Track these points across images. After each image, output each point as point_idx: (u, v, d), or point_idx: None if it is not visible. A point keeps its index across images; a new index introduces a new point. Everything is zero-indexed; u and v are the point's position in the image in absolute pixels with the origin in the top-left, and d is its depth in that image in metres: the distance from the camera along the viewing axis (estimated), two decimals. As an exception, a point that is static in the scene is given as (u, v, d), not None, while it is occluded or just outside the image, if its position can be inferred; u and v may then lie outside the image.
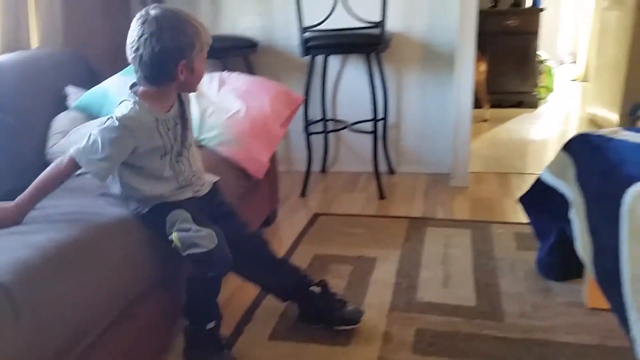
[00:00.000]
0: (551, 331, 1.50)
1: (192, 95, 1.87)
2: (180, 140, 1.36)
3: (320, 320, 1.51)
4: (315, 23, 2.29)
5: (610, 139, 1.37)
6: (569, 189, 1.49)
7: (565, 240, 1.55)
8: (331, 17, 2.30)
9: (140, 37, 1.20)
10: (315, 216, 2.39)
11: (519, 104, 4.43)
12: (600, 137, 1.41)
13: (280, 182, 2.43)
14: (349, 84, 2.85)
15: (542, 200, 1.66)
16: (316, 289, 1.51)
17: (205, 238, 1.29)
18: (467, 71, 2.50)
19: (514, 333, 1.50)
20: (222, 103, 1.88)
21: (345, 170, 3.02)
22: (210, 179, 1.49)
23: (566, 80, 5.67)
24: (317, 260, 1.98)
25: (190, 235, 1.29)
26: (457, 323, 1.56)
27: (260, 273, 1.53)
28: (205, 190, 1.45)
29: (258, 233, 1.53)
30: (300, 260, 1.97)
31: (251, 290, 1.68)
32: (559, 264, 1.67)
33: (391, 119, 2.87)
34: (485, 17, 4.22)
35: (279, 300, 1.59)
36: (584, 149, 1.41)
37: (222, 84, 1.96)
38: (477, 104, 4.11)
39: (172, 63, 1.22)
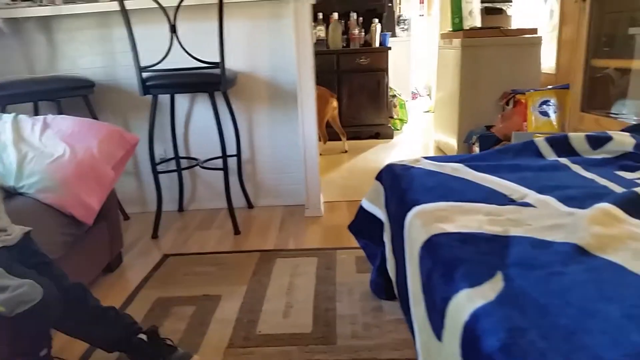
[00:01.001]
0: (378, 349, 1.59)
1: (9, 140, 1.77)
2: None
3: None
4: (153, 63, 2.29)
5: (409, 168, 1.52)
6: (382, 214, 1.62)
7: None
8: (174, 58, 2.31)
9: None
10: (165, 257, 2.33)
11: (376, 135, 4.74)
12: (402, 166, 1.55)
13: (132, 224, 2.34)
14: (200, 122, 2.86)
15: (366, 226, 1.78)
16: (143, 337, 1.47)
17: (30, 292, 1.21)
18: (309, 108, 2.63)
19: (344, 355, 1.57)
20: (44, 147, 1.79)
21: (203, 208, 3.00)
22: (21, 229, 1.41)
23: (420, 112, 6.19)
24: (159, 303, 1.92)
25: (11, 295, 1.20)
26: (292, 352, 1.60)
27: (82, 326, 1.45)
28: (14, 240, 1.36)
29: (78, 283, 1.46)
30: (141, 305, 1.91)
31: (80, 343, 1.58)
32: (386, 283, 1.79)
33: (246, 155, 2.92)
34: (340, 57, 4.54)
35: (107, 351, 1.52)
36: (388, 178, 1.55)
37: (45, 127, 1.87)
38: (337, 137, 4.37)
39: None
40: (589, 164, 1.42)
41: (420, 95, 7.11)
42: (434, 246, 0.96)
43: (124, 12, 2.21)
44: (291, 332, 1.70)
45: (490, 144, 3.30)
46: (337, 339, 1.65)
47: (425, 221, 1.06)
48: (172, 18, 2.23)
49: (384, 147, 4.52)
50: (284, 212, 2.92)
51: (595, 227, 0.96)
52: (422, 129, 5.32)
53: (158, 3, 2.18)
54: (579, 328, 0.69)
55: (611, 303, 0.73)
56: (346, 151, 4.31)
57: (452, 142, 3.85)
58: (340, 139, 4.35)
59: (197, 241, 2.54)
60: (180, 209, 2.97)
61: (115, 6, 2.23)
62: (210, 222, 2.80)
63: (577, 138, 1.54)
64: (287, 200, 3.00)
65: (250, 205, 2.98)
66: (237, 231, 2.60)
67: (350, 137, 4.47)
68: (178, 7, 2.20)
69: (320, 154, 4.16)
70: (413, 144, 4.68)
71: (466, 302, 0.77)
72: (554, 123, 3.12)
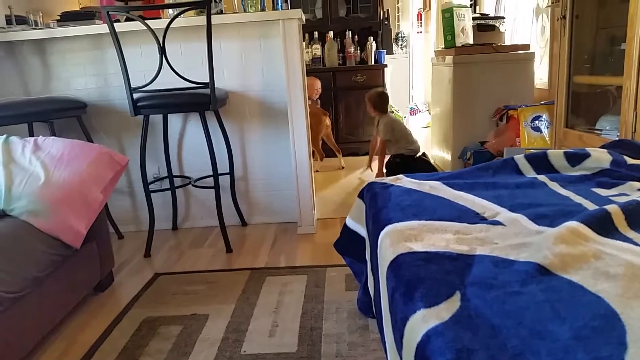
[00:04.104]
0: (361, 368, 1.59)
1: (-1, 162, 1.80)
2: None
3: None
4: (143, 84, 2.32)
5: (388, 186, 1.53)
6: (365, 232, 1.63)
7: (371, 280, 1.67)
8: (167, 78, 2.35)
9: None
10: (156, 276, 2.34)
11: (374, 151, 4.75)
12: (381, 184, 1.56)
13: (125, 243, 2.36)
14: (193, 141, 2.89)
15: (351, 244, 1.78)
16: None
17: None
18: (300, 126, 2.66)
19: (326, 374, 1.57)
20: (34, 170, 1.81)
21: (197, 226, 3.01)
22: None
23: (419, 127, 6.21)
24: (147, 323, 1.93)
25: None
26: (275, 371, 1.60)
27: None
28: None
29: None
30: (129, 324, 1.92)
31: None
32: (371, 301, 1.79)
33: (239, 173, 2.94)
34: (336, 74, 4.58)
35: None
36: (368, 196, 1.56)
37: (36, 149, 1.90)
38: (334, 154, 4.39)
39: None
40: (566, 181, 1.43)
41: (420, 111, 7.14)
42: (399, 265, 0.97)
43: (114, 34, 2.25)
44: (276, 352, 1.70)
45: (484, 160, 3.31)
46: (322, 358, 1.65)
47: (394, 240, 1.07)
48: (161, 40, 2.27)
49: (381, 163, 4.52)
50: (277, 229, 2.93)
51: (560, 245, 0.97)
52: (420, 144, 5.32)
53: (147, 25, 2.23)
54: (526, 349, 0.69)
55: (563, 323, 0.74)
56: (343, 167, 4.32)
57: (447, 158, 3.86)
58: (335, 156, 4.38)
59: (189, 260, 2.55)
60: (174, 227, 2.99)
61: (107, 28, 2.27)
62: (203, 240, 2.81)
63: (556, 155, 1.54)
64: (280, 218, 3.01)
65: (243, 223, 3.00)
66: (229, 249, 2.62)
67: (347, 154, 4.49)
68: (166, 29, 2.25)
69: (317, 171, 4.19)
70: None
71: (421, 323, 0.78)
72: (547, 138, 3.12)
